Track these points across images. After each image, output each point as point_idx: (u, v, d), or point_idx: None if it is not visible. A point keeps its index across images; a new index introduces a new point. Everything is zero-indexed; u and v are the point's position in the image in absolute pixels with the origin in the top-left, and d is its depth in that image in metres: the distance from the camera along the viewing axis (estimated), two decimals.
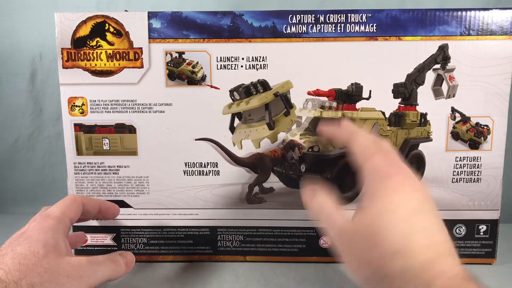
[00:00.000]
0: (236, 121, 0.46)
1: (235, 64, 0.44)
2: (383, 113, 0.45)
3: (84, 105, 0.45)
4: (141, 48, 0.44)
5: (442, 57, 0.44)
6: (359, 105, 0.45)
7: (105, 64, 0.44)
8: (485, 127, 0.45)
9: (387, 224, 0.26)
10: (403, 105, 0.45)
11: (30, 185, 0.69)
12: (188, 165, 0.46)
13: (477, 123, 0.45)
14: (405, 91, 0.45)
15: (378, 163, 0.29)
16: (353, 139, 0.32)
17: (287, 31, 0.44)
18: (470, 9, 0.43)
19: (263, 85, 0.45)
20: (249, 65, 0.44)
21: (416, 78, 0.44)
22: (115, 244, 0.48)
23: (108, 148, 0.46)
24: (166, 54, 0.44)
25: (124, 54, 0.44)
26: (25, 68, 0.64)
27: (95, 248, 0.48)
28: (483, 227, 0.47)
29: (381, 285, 0.26)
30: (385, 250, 0.26)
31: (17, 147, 0.68)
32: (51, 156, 0.67)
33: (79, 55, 0.44)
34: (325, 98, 0.45)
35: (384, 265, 0.26)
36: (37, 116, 0.67)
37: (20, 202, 0.68)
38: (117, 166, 0.46)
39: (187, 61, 0.44)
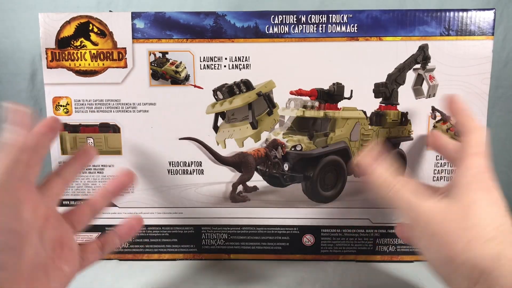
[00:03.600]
0: (220, 120, 0.43)
1: (218, 64, 0.40)
2: (365, 113, 0.42)
3: (68, 104, 0.41)
4: (125, 48, 0.40)
5: (422, 57, 0.40)
6: (340, 104, 0.42)
7: (89, 64, 0.40)
8: None
9: (488, 212, 0.27)
10: (384, 105, 0.42)
11: None
12: (172, 164, 0.42)
13: None
14: (386, 91, 0.41)
15: (479, 162, 0.30)
16: (470, 130, 0.32)
17: (270, 32, 0.40)
18: (449, 10, 0.40)
19: (246, 85, 0.41)
20: (232, 65, 0.40)
21: (396, 78, 0.40)
22: None
23: None
24: (150, 54, 0.40)
25: (108, 54, 0.40)
26: (25, 68, 0.60)
27: None
28: None
29: (463, 268, 0.26)
30: (480, 234, 0.26)
31: None
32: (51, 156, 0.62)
33: (63, 55, 0.40)
34: (307, 98, 0.41)
35: (476, 247, 0.26)
36: (37, 116, 0.62)
37: None
38: (102, 165, 0.42)
39: (170, 61, 0.40)
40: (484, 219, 0.26)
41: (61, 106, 0.41)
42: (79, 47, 0.40)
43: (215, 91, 0.41)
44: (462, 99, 0.34)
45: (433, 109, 0.42)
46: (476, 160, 0.30)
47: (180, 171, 0.43)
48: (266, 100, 0.42)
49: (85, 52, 0.41)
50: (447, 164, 0.42)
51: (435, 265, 0.28)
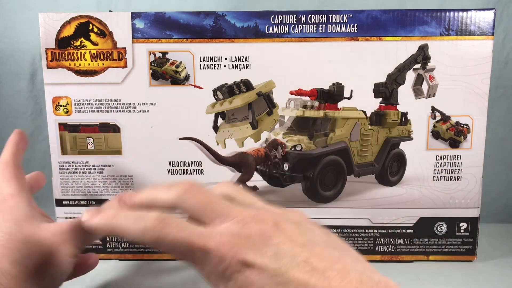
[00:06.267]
0: (220, 120, 0.43)
1: (218, 64, 0.40)
2: (364, 113, 0.42)
3: (68, 104, 0.41)
4: (125, 48, 0.40)
5: (422, 57, 0.40)
6: (340, 104, 0.42)
7: (89, 64, 0.40)
8: (465, 126, 0.41)
9: None
10: (384, 105, 0.42)
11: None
12: (172, 164, 0.42)
13: (457, 122, 0.41)
14: (386, 91, 0.41)
15: (209, 256, 0.20)
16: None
17: (270, 32, 0.40)
18: (449, 10, 0.39)
19: (246, 85, 0.41)
20: (232, 65, 0.40)
21: (396, 77, 0.40)
22: (101, 243, 0.43)
23: (93, 148, 0.42)
24: (150, 54, 0.40)
25: (108, 54, 0.40)
26: (25, 68, 0.60)
27: None
28: (463, 225, 0.43)
29: None
30: None
31: None
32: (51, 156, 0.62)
33: (63, 55, 0.40)
34: (307, 98, 0.41)
35: None
36: (37, 116, 0.62)
37: None
38: (102, 165, 0.42)
39: (170, 61, 0.40)
40: None
41: (61, 106, 0.41)
42: (79, 47, 0.40)
43: (215, 91, 0.41)
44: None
45: (433, 109, 0.42)
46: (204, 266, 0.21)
47: (180, 171, 0.43)
48: (266, 100, 0.42)
49: (85, 52, 0.40)
50: (447, 164, 0.42)
51: None
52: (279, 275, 0.19)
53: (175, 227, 0.21)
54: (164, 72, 0.41)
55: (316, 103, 0.42)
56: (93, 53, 0.40)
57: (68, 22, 0.40)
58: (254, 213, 0.22)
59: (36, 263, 0.25)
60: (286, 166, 0.43)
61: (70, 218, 0.43)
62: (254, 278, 0.19)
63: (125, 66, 0.41)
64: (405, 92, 0.41)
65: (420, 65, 0.41)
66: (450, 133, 0.42)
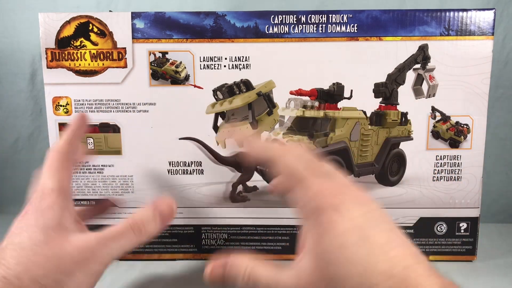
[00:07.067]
0: (220, 120, 0.43)
1: (218, 64, 0.40)
2: (364, 113, 0.41)
3: (68, 104, 0.41)
4: (125, 48, 0.40)
5: (422, 57, 0.40)
6: (340, 104, 0.42)
7: (89, 64, 0.40)
8: (465, 126, 0.41)
9: (340, 261, 0.21)
10: (384, 105, 0.42)
11: (30, 185, 0.63)
12: (172, 164, 0.42)
13: (457, 122, 0.41)
14: (386, 91, 0.40)
15: (309, 192, 0.24)
16: (279, 159, 0.27)
17: (269, 32, 0.40)
18: (449, 10, 0.39)
19: (246, 85, 0.41)
20: (232, 65, 0.40)
21: (396, 77, 0.40)
22: None
23: (93, 148, 0.42)
24: (150, 54, 0.40)
25: (108, 54, 0.40)
26: (25, 68, 0.60)
27: None
28: (463, 225, 0.43)
29: None
30: None
31: (17, 147, 0.63)
32: None
33: (63, 55, 0.40)
34: (307, 98, 0.41)
35: None
36: (37, 116, 0.62)
37: (20, 202, 0.62)
38: (102, 165, 0.42)
39: (170, 61, 0.40)
40: (344, 269, 0.21)
41: (61, 106, 0.41)
42: (79, 47, 0.40)
43: (215, 91, 0.41)
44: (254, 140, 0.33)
45: (433, 109, 0.42)
46: (298, 194, 0.25)
47: (180, 171, 0.43)
48: (266, 100, 0.42)
49: (85, 52, 0.40)
50: (447, 164, 0.42)
51: None
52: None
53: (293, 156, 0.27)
54: (164, 72, 0.41)
55: (316, 103, 0.42)
56: (93, 53, 0.40)
57: (68, 22, 0.40)
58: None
59: (56, 281, 0.24)
60: None
61: None
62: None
63: (125, 66, 0.41)
64: (405, 92, 0.41)
65: (420, 65, 0.41)
66: (450, 133, 0.42)
